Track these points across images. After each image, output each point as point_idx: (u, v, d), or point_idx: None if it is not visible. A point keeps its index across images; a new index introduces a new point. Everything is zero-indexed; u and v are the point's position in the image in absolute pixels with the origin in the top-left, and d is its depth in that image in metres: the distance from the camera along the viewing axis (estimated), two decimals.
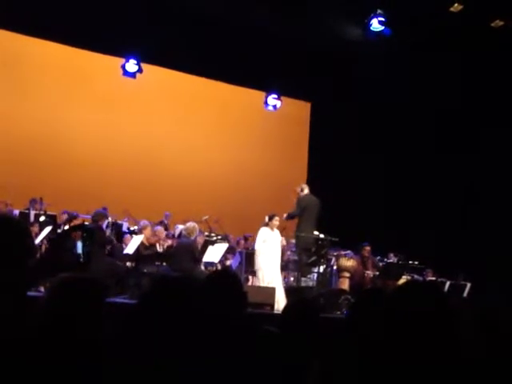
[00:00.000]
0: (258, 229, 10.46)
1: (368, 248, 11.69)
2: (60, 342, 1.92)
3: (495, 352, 2.41)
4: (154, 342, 2.09)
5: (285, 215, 10.85)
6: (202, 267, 10.49)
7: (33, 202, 11.74)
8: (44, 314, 1.98)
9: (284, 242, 10.45)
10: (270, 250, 10.10)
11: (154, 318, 2.12)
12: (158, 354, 2.10)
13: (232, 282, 3.20)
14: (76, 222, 10.06)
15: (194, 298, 2.26)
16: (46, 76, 14.48)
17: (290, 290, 10.11)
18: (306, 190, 11.31)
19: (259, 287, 10.04)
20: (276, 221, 10.35)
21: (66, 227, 10.46)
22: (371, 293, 3.28)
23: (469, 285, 11.98)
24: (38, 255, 8.66)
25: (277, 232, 10.34)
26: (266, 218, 10.37)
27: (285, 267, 11.14)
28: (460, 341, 1.92)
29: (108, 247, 10.61)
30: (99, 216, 10.14)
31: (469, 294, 11.83)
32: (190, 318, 2.17)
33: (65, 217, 11.32)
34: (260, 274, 10.06)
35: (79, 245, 9.45)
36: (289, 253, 11.49)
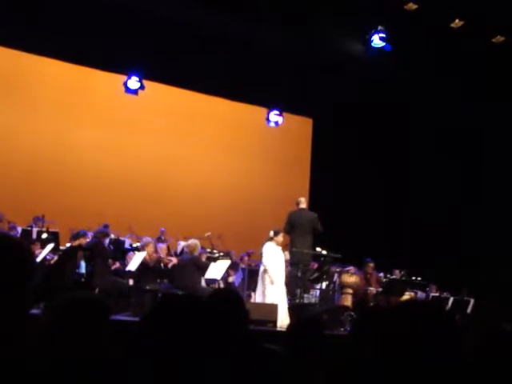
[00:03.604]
0: (261, 244, 10.40)
1: (371, 264, 11.67)
2: (62, 364, 1.91)
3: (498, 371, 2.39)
4: (156, 361, 2.08)
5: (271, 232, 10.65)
6: (204, 284, 10.46)
7: (36, 219, 11.75)
8: (46, 337, 1.97)
9: (287, 257, 10.41)
10: (275, 265, 10.06)
11: (156, 337, 2.11)
12: (162, 374, 2.09)
13: (234, 300, 3.20)
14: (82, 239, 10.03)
15: (197, 316, 2.25)
16: (48, 93, 14.52)
17: (292, 307, 10.06)
18: (301, 205, 11.21)
19: (261, 304, 9.99)
20: (281, 237, 10.30)
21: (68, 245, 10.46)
22: (374, 311, 3.27)
23: (472, 301, 11.94)
24: (41, 273, 8.67)
25: (279, 248, 10.28)
26: (271, 233, 10.28)
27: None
28: (463, 361, 1.91)
29: (113, 265, 10.63)
30: (101, 234, 10.25)
31: (472, 310, 11.80)
32: (193, 336, 2.17)
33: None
34: (268, 289, 9.98)
35: (83, 265, 9.42)
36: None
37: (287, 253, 10.47)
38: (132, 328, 2.18)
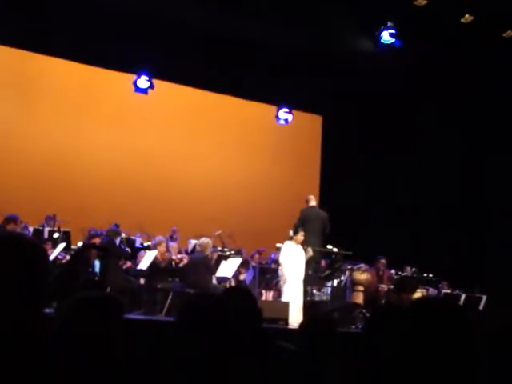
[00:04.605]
0: (274, 243, 10.41)
1: (383, 261, 11.62)
2: (78, 363, 1.92)
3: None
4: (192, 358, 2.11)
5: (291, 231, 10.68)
6: (215, 282, 10.47)
7: (48, 219, 11.78)
8: (61, 336, 1.98)
9: (311, 253, 10.39)
10: (293, 264, 10.05)
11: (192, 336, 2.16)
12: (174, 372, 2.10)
13: (247, 298, 3.21)
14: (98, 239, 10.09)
15: (220, 316, 2.30)
16: (59, 94, 14.57)
17: (304, 305, 10.05)
18: (311, 203, 11.21)
19: (273, 302, 9.99)
20: (301, 236, 10.26)
21: (80, 244, 10.52)
22: (387, 308, 3.27)
23: (485, 297, 11.87)
24: (53, 273, 8.70)
25: (300, 247, 10.27)
26: (291, 233, 10.29)
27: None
28: (477, 359, 1.91)
29: (124, 264, 10.67)
30: (112, 233, 10.29)
31: (485, 306, 11.73)
32: (219, 335, 2.22)
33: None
34: (284, 287, 10.00)
35: (97, 264, 9.44)
36: None
37: (310, 249, 10.44)
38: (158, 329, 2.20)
